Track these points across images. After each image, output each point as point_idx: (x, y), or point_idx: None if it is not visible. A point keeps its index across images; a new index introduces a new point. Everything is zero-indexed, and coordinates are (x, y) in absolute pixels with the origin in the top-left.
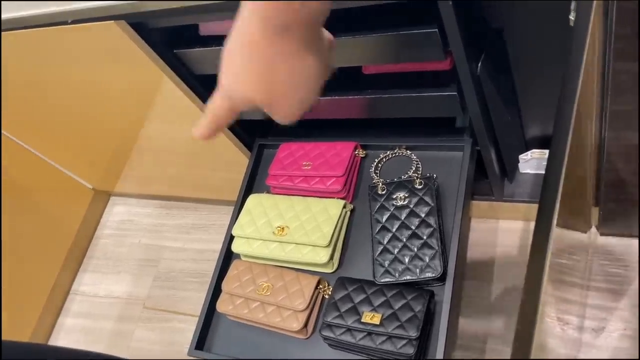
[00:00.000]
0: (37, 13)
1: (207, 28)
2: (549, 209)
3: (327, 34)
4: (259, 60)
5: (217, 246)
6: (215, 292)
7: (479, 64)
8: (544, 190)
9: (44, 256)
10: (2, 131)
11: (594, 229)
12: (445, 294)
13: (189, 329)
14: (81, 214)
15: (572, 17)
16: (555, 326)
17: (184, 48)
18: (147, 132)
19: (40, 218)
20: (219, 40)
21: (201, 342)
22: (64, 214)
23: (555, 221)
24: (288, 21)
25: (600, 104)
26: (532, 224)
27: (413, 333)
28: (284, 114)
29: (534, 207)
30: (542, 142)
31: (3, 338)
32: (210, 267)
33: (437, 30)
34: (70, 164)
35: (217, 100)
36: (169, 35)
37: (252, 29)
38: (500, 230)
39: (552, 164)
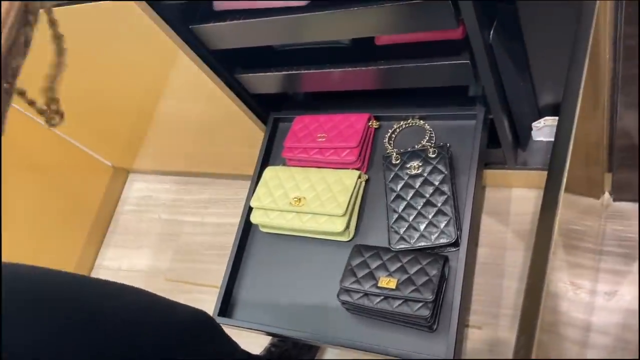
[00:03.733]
0: None
1: (221, 3)
2: (559, 165)
3: None
4: None
5: (235, 220)
6: (236, 261)
7: (491, 32)
8: (555, 147)
9: (69, 232)
10: (24, 111)
11: (607, 195)
12: (459, 259)
13: (209, 299)
14: (102, 191)
15: None
16: (568, 290)
17: (199, 24)
18: (164, 109)
19: (63, 196)
20: (233, 14)
21: (223, 309)
22: (86, 192)
23: (565, 179)
24: None
25: (613, 68)
26: None
27: (429, 296)
28: None
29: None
30: (555, 110)
31: None
32: (228, 240)
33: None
34: (90, 141)
35: None
36: (184, 11)
37: None
38: (514, 198)
39: (562, 125)
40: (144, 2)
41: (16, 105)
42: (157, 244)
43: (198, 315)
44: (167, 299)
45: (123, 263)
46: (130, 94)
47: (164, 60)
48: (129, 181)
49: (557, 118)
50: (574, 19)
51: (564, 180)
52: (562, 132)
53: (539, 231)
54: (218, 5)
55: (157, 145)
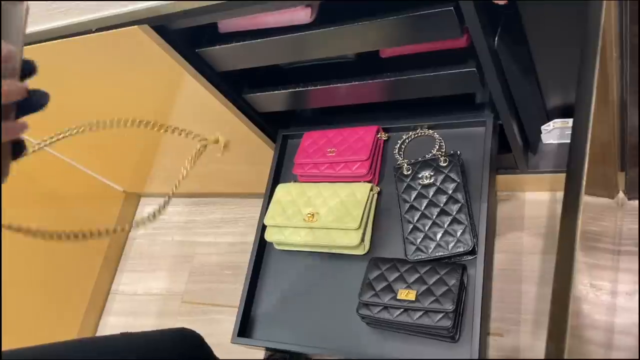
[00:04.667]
0: (62, 24)
1: (226, 25)
2: (578, 166)
3: None
4: None
5: (248, 238)
6: (253, 280)
7: (496, 38)
8: (572, 152)
9: (83, 259)
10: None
11: (621, 194)
12: (477, 267)
13: (227, 319)
14: (114, 216)
15: None
16: (588, 292)
17: (205, 47)
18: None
19: (76, 223)
20: (239, 36)
21: (242, 330)
22: (99, 218)
23: (584, 180)
24: None
25: (620, 66)
26: (559, 194)
27: (449, 306)
28: None
29: (559, 177)
30: (563, 112)
31: (52, 340)
32: (242, 259)
33: (453, 8)
34: (100, 168)
35: None
36: (191, 35)
37: None
38: (527, 202)
39: (578, 126)
40: (150, 29)
41: (27, 136)
42: (172, 267)
43: (185, 335)
44: (153, 331)
45: (139, 287)
46: (139, 118)
47: (172, 84)
48: (140, 205)
49: (566, 120)
50: (577, 20)
51: (584, 181)
52: (578, 133)
53: (562, 235)
54: (223, 28)
55: (166, 168)
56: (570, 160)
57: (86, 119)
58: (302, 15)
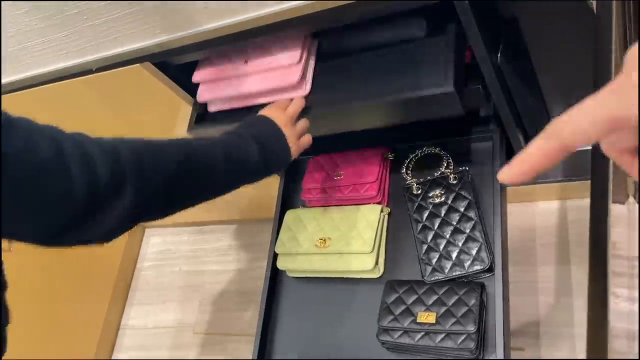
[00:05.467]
0: (61, 67)
1: (216, 105)
2: (603, 172)
3: None
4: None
5: (256, 264)
6: (267, 310)
7: (499, 55)
8: (594, 156)
9: (92, 296)
10: None
11: (631, 199)
12: (496, 285)
13: (242, 348)
14: (120, 249)
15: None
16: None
17: (195, 127)
18: None
19: (83, 260)
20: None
21: (261, 357)
22: (104, 252)
23: (610, 186)
24: None
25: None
26: (569, 202)
27: (471, 327)
28: None
29: (568, 186)
30: None
31: None
32: (252, 286)
33: (454, 90)
34: None
35: (537, 141)
36: (192, 69)
37: None
38: (538, 212)
39: None
40: (152, 66)
41: None
42: (182, 297)
43: None
44: None
45: (149, 321)
46: None
47: (174, 117)
48: (145, 236)
49: None
50: (576, 30)
51: (610, 187)
52: None
53: (593, 246)
54: (213, 108)
55: None
56: (593, 167)
57: None
58: (298, 92)
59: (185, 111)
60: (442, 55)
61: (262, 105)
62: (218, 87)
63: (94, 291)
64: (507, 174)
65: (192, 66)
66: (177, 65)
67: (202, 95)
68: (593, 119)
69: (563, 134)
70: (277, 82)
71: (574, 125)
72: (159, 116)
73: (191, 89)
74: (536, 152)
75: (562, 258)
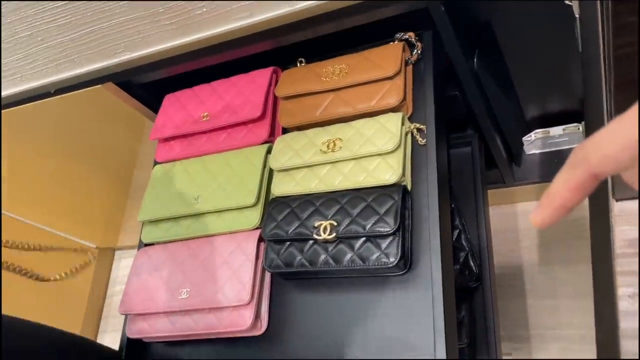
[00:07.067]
0: (18, 90)
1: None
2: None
3: None
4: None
5: None
6: None
7: (475, 60)
8: None
9: (62, 326)
10: (3, 212)
11: (609, 196)
12: (484, 295)
13: None
14: (90, 275)
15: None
16: None
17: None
18: (139, 182)
19: (52, 290)
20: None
21: None
22: (74, 280)
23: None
24: None
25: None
26: None
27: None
28: None
29: (545, 187)
30: (542, 122)
31: None
32: None
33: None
34: (71, 228)
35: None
36: (157, 87)
37: None
38: (519, 214)
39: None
40: (114, 86)
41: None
42: None
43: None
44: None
45: None
46: (105, 174)
47: (137, 135)
48: (116, 259)
49: (547, 130)
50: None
51: (610, 185)
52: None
53: (596, 241)
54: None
55: (137, 219)
56: None
57: (47, 178)
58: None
59: (143, 126)
60: None
61: None
62: None
63: (65, 322)
64: (540, 216)
65: (157, 84)
66: (140, 85)
67: None
68: (625, 142)
69: (591, 162)
70: None
71: (603, 151)
72: (114, 136)
73: (155, 105)
74: (563, 185)
75: (546, 260)
